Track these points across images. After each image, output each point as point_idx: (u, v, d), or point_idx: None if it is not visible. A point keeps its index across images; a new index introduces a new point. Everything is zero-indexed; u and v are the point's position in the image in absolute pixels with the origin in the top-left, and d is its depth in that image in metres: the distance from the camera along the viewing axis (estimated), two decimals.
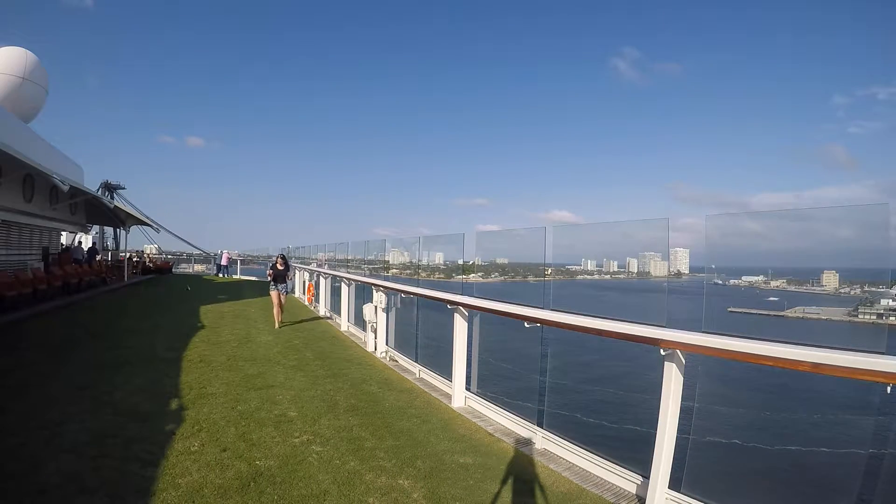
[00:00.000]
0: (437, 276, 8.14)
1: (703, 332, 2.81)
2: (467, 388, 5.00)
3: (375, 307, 7.41)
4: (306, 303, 13.95)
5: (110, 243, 27.78)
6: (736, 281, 4.41)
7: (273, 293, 9.27)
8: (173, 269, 29.14)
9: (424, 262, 8.35)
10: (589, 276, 5.61)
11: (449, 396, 5.12)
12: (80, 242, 19.40)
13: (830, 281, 3.70)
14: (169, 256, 34.39)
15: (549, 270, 4.59)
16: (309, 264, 16.48)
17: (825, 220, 2.67)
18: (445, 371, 5.45)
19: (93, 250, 19.75)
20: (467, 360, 5.02)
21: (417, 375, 6.16)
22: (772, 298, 4.05)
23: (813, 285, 4.01)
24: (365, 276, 9.75)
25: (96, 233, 25.84)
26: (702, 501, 2.80)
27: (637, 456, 3.32)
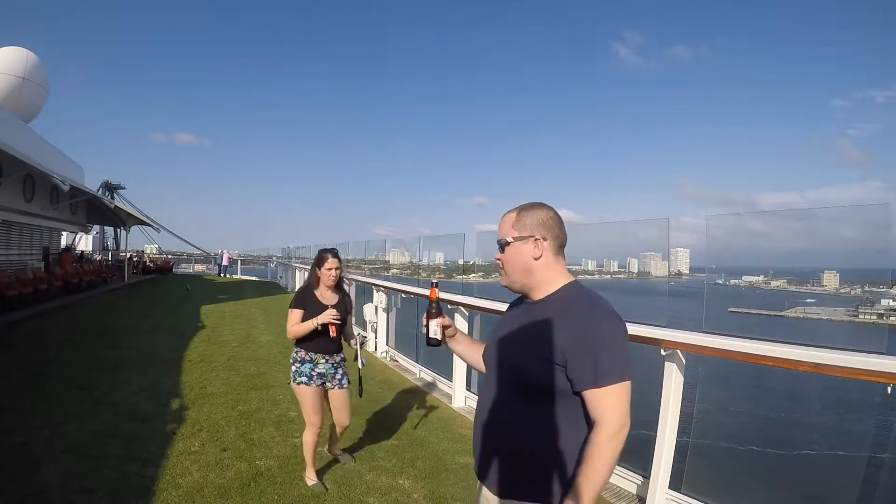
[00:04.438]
0: (437, 276, 8.15)
1: (704, 332, 2.81)
2: (468, 388, 5.00)
3: (376, 307, 7.41)
4: None
5: (111, 243, 27.80)
6: (736, 281, 4.40)
7: None
8: (174, 269, 29.16)
9: (425, 262, 8.37)
10: (589, 276, 5.61)
11: (449, 396, 5.12)
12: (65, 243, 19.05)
13: (831, 281, 3.70)
14: (169, 256, 34.43)
15: None
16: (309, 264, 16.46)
17: (827, 219, 2.66)
18: (446, 371, 5.44)
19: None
20: None
21: (417, 375, 6.15)
22: (809, 300, 4.02)
23: (813, 285, 4.01)
24: (365, 276, 9.74)
25: (96, 233, 25.86)
26: (702, 501, 2.80)
27: (637, 456, 3.32)
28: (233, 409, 4.23)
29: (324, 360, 3.00)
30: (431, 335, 1.53)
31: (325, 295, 3.05)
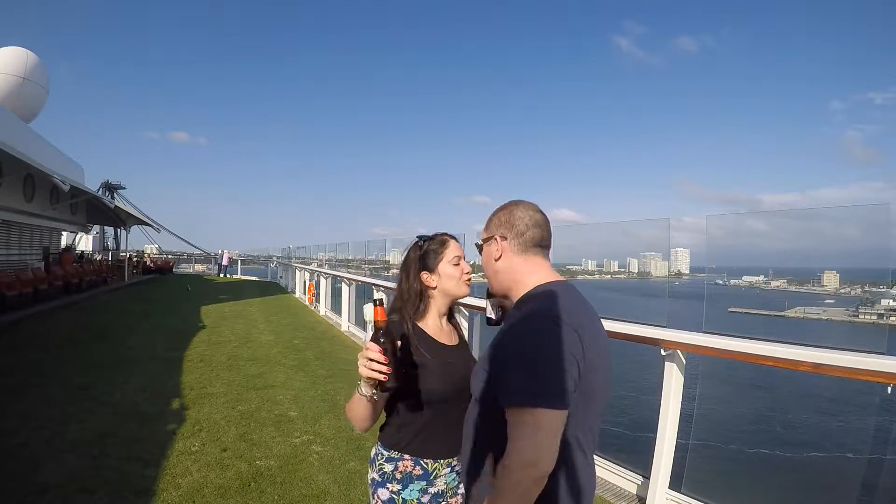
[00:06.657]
0: None
1: (704, 332, 2.81)
2: None
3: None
4: (307, 303, 13.95)
5: (111, 243, 27.81)
6: (736, 281, 4.41)
7: None
8: (174, 269, 29.16)
9: None
10: (589, 276, 5.62)
11: None
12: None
13: (831, 281, 3.70)
14: (169, 256, 34.43)
15: None
16: (309, 264, 16.48)
17: (829, 219, 2.66)
18: None
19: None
20: None
21: None
22: (828, 301, 4.01)
23: (813, 285, 4.01)
24: (365, 276, 9.75)
25: (97, 233, 25.88)
26: (702, 501, 2.80)
27: (638, 456, 3.32)
28: (233, 409, 4.22)
29: (448, 469, 1.36)
30: (491, 314, 1.31)
31: (443, 327, 1.46)
